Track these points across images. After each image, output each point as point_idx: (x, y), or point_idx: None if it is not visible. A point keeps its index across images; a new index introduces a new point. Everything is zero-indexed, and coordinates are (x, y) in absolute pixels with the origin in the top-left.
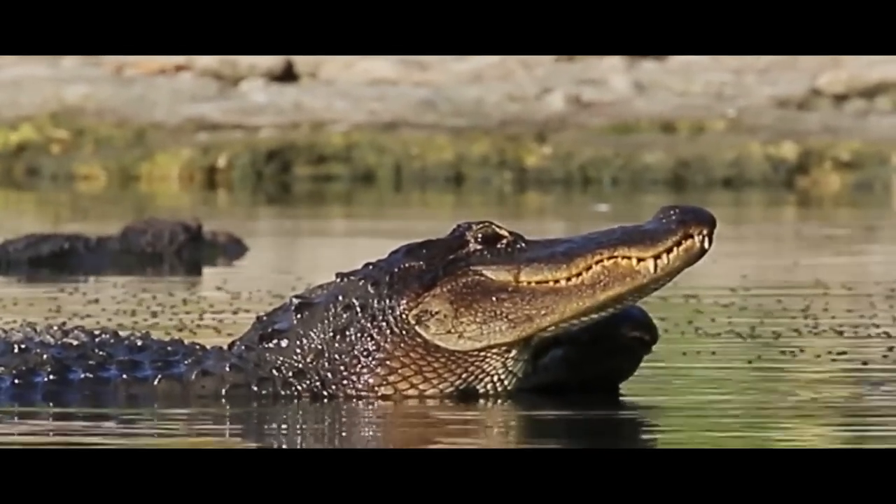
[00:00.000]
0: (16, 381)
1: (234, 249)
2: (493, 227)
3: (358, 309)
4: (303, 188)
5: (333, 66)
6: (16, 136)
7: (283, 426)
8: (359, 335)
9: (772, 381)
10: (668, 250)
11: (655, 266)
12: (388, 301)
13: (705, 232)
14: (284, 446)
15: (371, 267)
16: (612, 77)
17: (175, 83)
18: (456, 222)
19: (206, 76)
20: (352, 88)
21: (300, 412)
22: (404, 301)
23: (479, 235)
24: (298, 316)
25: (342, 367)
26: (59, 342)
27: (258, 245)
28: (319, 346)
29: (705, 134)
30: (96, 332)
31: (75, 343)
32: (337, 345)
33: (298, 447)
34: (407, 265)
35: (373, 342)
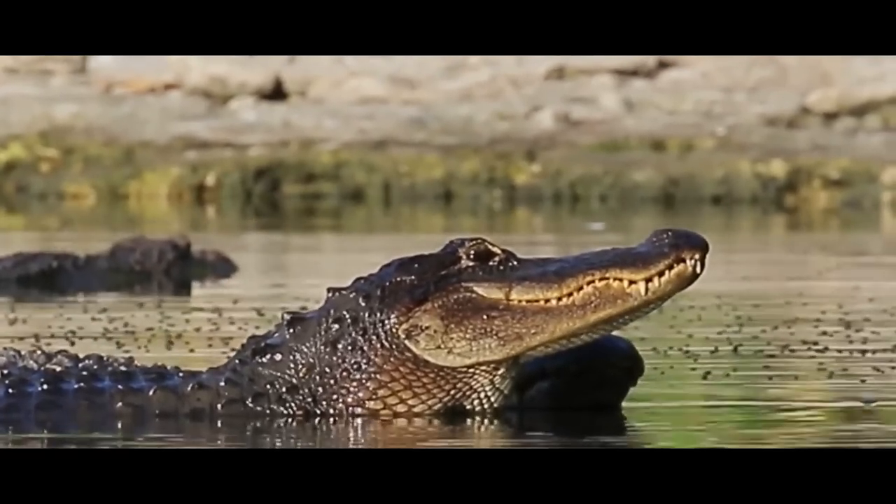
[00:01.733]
0: (10, 391)
1: (223, 268)
2: (486, 244)
3: (349, 321)
4: (292, 206)
5: (323, 85)
6: (5, 155)
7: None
8: (349, 348)
9: (761, 401)
10: (660, 273)
11: (647, 289)
12: (378, 315)
13: (697, 257)
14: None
15: (363, 281)
16: (601, 95)
17: (164, 102)
18: (445, 240)
19: (195, 95)
20: (341, 107)
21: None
22: (395, 315)
23: (472, 252)
24: (291, 330)
25: (332, 381)
26: (43, 367)
27: (247, 263)
28: (311, 360)
29: (695, 152)
30: (80, 357)
31: (59, 369)
32: (328, 357)
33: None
34: (398, 279)
35: (363, 356)
